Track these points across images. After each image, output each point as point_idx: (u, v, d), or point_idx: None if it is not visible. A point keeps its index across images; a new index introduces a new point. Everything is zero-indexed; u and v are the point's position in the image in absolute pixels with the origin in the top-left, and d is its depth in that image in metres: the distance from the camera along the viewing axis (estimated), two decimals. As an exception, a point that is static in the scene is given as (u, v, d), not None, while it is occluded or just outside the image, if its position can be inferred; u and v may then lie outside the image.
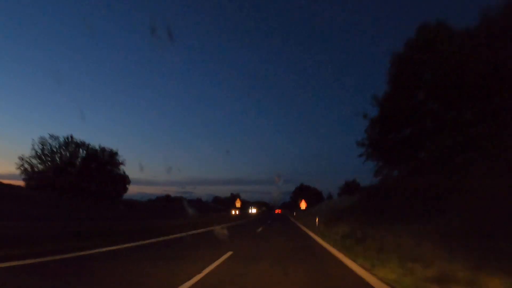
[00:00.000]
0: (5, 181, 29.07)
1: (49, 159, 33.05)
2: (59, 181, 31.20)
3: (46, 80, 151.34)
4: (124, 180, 36.07)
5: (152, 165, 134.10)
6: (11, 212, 17.80)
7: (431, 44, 13.31)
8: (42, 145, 32.40)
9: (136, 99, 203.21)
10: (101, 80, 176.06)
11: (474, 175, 8.38)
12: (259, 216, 60.98)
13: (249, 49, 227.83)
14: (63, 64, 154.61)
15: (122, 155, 36.65)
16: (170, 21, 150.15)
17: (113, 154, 35.21)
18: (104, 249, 7.90)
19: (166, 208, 46.34)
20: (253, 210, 76.00)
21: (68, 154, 34.06)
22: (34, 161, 32.26)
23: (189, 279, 4.61)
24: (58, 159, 33.47)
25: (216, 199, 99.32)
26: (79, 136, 43.21)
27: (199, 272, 5.10)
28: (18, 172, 31.62)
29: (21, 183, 31.50)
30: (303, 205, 38.92)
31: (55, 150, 33.35)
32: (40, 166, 32.72)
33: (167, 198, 69.17)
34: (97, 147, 35.35)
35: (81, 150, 34.88)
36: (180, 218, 27.88)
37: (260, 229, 17.96)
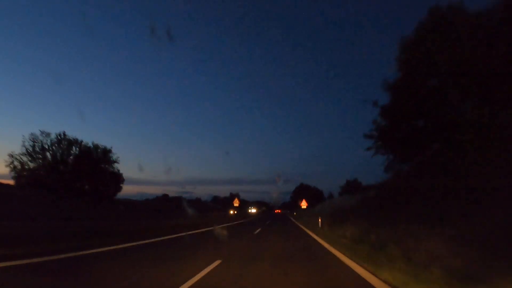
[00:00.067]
0: (-6, 179, 27.94)
1: (40, 156, 31.78)
2: (51, 179, 30.01)
3: (46, 80, 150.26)
4: (118, 179, 34.74)
5: (152, 165, 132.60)
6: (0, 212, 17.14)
7: (447, 24, 12.08)
8: (33, 142, 31.14)
9: (136, 99, 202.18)
10: (100, 79, 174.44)
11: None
12: (259, 216, 60.12)
13: (249, 49, 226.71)
14: (62, 64, 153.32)
15: (117, 153, 35.41)
16: (170, 21, 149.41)
17: (106, 152, 33.88)
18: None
19: (163, 208, 45.27)
20: (253, 210, 74.99)
21: (60, 152, 32.77)
22: (25, 159, 31.02)
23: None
24: (50, 157, 32.22)
25: (215, 199, 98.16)
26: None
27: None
28: (7, 170, 30.39)
29: (10, 181, 30.32)
30: (304, 204, 38.13)
31: (46, 147, 32.08)
32: (31, 164, 31.49)
33: (165, 198, 67.78)
34: (90, 144, 34.07)
35: (73, 147, 33.64)
36: (174, 219, 26.88)
37: (258, 231, 16.91)
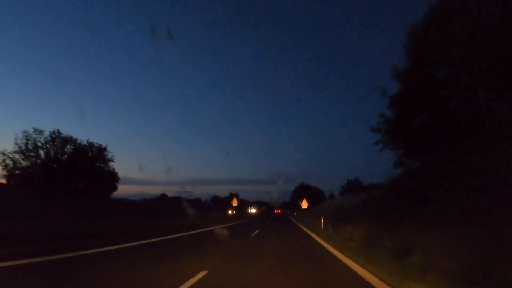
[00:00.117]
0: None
1: (33, 154, 30.88)
2: (43, 178, 29.12)
3: (45, 79, 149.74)
4: (113, 178, 33.80)
5: (152, 165, 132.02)
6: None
7: (460, 8, 11.12)
8: (26, 139, 30.24)
9: (136, 99, 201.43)
10: (100, 79, 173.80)
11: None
12: (259, 216, 59.34)
13: (249, 48, 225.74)
14: (62, 63, 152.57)
15: (112, 151, 34.35)
16: (170, 21, 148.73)
17: (101, 150, 32.94)
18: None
19: (162, 209, 44.41)
20: (253, 210, 74.18)
21: (54, 150, 31.88)
22: (17, 157, 30.13)
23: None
24: (43, 155, 31.33)
25: (215, 199, 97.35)
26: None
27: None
28: (-1, 168, 29.49)
29: (2, 180, 29.49)
30: (304, 204, 37.33)
31: (40, 145, 31.18)
32: (24, 162, 30.59)
33: (163, 198, 66.89)
34: (85, 142, 33.15)
35: (68, 145, 32.74)
36: (173, 219, 26.04)
37: (256, 232, 16.02)
